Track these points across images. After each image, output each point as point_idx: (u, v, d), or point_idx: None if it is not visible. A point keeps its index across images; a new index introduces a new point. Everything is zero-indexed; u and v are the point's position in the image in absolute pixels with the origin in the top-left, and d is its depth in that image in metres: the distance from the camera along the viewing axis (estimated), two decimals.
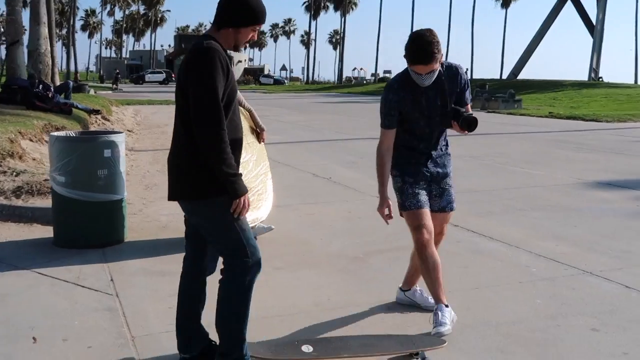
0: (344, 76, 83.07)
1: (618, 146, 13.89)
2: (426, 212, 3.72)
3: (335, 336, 3.52)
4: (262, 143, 6.07)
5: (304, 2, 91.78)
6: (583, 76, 54.10)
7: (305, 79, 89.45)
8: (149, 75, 74.40)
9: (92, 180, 5.32)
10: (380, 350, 3.31)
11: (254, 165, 5.95)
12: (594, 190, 8.39)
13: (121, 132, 5.80)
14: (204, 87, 2.74)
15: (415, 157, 3.80)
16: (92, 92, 28.88)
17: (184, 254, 5.18)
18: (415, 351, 3.28)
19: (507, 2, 76.68)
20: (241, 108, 5.89)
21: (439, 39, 3.47)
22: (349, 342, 3.38)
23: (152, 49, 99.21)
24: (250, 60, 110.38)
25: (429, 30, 3.47)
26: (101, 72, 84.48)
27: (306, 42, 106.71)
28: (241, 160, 5.74)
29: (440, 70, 3.57)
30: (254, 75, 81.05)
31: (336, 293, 4.38)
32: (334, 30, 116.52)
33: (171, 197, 3.03)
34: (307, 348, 3.20)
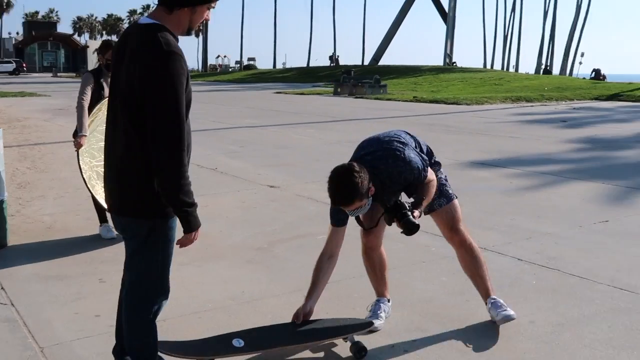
0: (208, 64, 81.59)
1: (481, 127, 14.79)
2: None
3: (264, 326, 3.46)
4: None
5: None
6: (439, 61, 57.00)
7: (202, 68, 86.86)
8: None
9: None
10: (311, 337, 3.30)
11: None
12: (470, 169, 8.88)
13: None
14: (167, 105, 2.35)
15: None
16: None
17: (78, 255, 4.93)
18: (345, 336, 3.31)
19: None
20: None
21: (361, 177, 3.08)
22: (279, 332, 3.34)
23: None
24: None
25: (348, 171, 3.11)
26: None
27: (198, 29, 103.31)
28: None
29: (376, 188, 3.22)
30: None
31: (249, 285, 4.32)
32: None
33: (114, 210, 2.62)
34: (237, 342, 3.12)
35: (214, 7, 2.61)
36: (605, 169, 9.11)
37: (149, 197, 2.47)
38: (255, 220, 6.05)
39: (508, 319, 3.51)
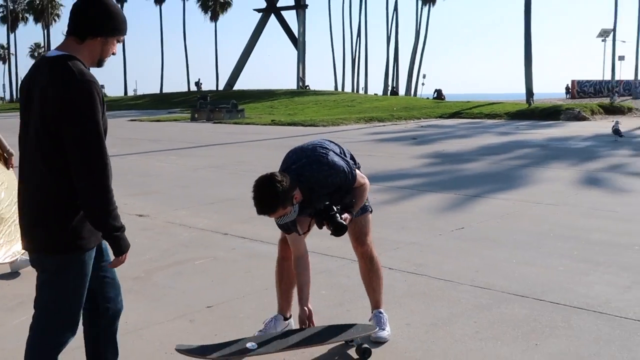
0: None
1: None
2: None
3: (277, 333, 3.64)
4: (11, 169, 5.58)
5: None
6: (293, 85, 58.28)
7: (8, 98, 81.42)
8: None
9: None
10: (319, 340, 3.49)
11: (6, 193, 5.46)
12: None
13: None
14: (89, 136, 2.33)
15: None
16: None
17: None
18: (350, 338, 3.57)
19: (216, 15, 78.97)
20: None
21: (283, 185, 3.24)
22: (290, 337, 3.50)
23: None
24: None
25: (269, 180, 3.27)
26: None
27: (4, 56, 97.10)
28: None
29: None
30: None
31: (132, 315, 4.23)
32: (36, 43, 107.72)
33: (34, 248, 2.52)
34: (251, 345, 3.34)
35: (121, 41, 2.62)
36: (454, 181, 9.88)
37: (58, 232, 2.44)
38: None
39: (379, 339, 3.65)
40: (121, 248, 2.52)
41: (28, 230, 2.54)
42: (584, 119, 25.83)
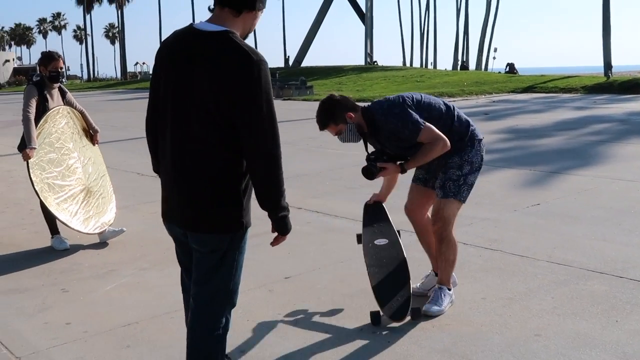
0: (128, 71, 79.83)
1: None
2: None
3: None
4: (97, 144, 5.87)
5: None
6: (360, 61, 57.91)
7: (87, 77, 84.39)
8: None
9: None
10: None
11: (94, 168, 5.75)
12: None
13: None
14: (266, 116, 2.30)
15: None
16: None
17: (34, 267, 4.91)
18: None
19: None
20: (73, 109, 5.63)
21: (333, 103, 3.62)
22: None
23: None
24: (19, 59, 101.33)
25: (326, 98, 3.67)
26: None
27: (80, 37, 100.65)
28: (82, 163, 5.56)
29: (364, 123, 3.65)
30: (26, 75, 74.59)
31: None
32: (110, 24, 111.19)
33: (190, 226, 2.48)
34: None
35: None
36: (529, 156, 9.69)
37: (229, 211, 2.43)
38: None
39: (427, 312, 3.69)
40: (287, 227, 2.50)
41: (192, 209, 2.45)
42: None
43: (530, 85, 29.14)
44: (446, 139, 3.63)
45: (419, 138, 3.61)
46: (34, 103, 5.25)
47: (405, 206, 4.04)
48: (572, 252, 4.82)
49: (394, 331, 3.55)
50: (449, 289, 3.85)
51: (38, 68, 5.48)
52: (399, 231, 4.06)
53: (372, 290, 3.70)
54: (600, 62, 31.54)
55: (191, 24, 2.46)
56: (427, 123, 3.62)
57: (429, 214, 3.98)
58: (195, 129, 2.37)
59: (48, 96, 5.39)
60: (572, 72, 40.67)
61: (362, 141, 3.74)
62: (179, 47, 2.42)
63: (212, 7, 2.43)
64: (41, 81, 5.40)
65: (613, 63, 31.58)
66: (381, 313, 3.62)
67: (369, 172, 3.64)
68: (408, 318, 3.64)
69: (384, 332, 3.55)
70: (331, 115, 3.60)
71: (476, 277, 4.39)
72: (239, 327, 3.54)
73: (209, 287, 2.55)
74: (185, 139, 2.41)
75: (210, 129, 2.34)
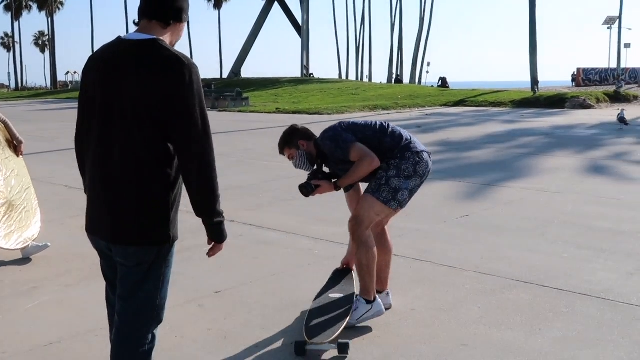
0: (58, 80, 77.50)
1: None
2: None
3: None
4: (21, 156, 5.65)
5: (2, 1, 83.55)
6: (297, 73, 58.15)
7: (15, 86, 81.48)
8: None
9: None
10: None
11: (17, 180, 5.53)
12: None
13: None
14: (200, 109, 2.28)
15: None
16: None
17: None
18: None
19: (219, 3, 78.73)
20: None
21: (292, 131, 3.98)
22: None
23: None
24: None
25: (288, 127, 4.06)
26: None
27: (8, 44, 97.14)
28: (4, 176, 5.34)
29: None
30: None
31: None
32: (40, 32, 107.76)
33: (113, 239, 2.39)
34: None
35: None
36: (460, 169, 9.93)
37: (156, 222, 2.36)
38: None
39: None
40: (223, 235, 2.46)
41: (116, 220, 2.37)
42: (589, 107, 25.77)
43: (462, 99, 29.94)
44: (374, 156, 3.72)
45: (350, 156, 3.73)
46: None
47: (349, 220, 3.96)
48: (499, 262, 4.95)
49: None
50: (367, 301, 3.77)
51: None
52: (357, 295, 3.88)
53: (304, 325, 3.57)
54: (527, 78, 32.74)
55: (119, 37, 2.45)
56: (357, 142, 3.73)
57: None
58: (122, 137, 2.32)
59: None
60: (501, 87, 42.01)
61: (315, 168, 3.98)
62: (107, 57, 2.40)
63: (136, 20, 2.44)
64: None
65: (539, 79, 32.83)
66: (307, 343, 3.43)
67: (305, 190, 3.89)
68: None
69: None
70: (288, 140, 3.94)
71: (406, 288, 4.43)
72: (167, 344, 3.45)
73: (135, 302, 2.46)
74: (112, 147, 2.34)
75: (139, 136, 2.29)
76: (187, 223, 6.41)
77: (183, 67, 2.27)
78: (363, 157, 3.70)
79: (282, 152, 4.00)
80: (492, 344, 3.49)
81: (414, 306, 4.09)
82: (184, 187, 2.41)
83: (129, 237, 2.37)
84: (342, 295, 3.89)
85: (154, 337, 2.54)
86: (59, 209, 7.11)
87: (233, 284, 4.60)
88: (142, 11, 2.41)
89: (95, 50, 2.51)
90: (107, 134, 2.36)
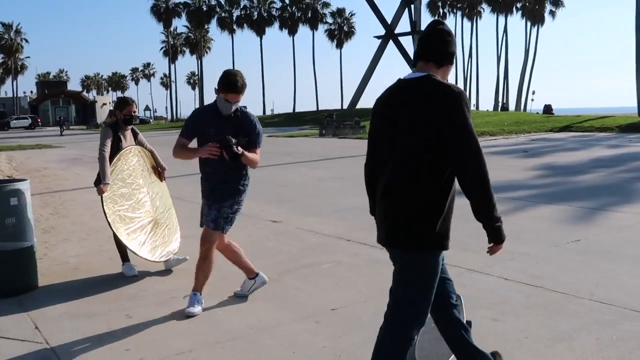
0: None
1: None
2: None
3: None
4: (164, 181, 5.76)
5: (162, 48, 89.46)
6: None
7: (170, 117, 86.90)
8: (15, 121, 68.36)
9: (0, 229, 4.72)
10: None
11: (161, 202, 5.64)
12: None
13: (25, 180, 5.21)
14: (470, 132, 2.39)
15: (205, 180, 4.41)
16: None
17: (104, 293, 4.77)
18: None
19: (341, 43, 79.82)
20: (144, 149, 5.55)
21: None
22: None
23: (15, 95, 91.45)
24: (114, 102, 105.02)
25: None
26: None
27: (166, 83, 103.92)
28: (150, 198, 5.45)
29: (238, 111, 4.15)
30: None
31: (264, 314, 4.20)
32: (191, 72, 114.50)
33: (397, 244, 2.52)
34: None
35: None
36: (567, 193, 9.13)
37: (432, 230, 2.46)
38: (262, 253, 5.94)
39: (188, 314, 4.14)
40: (501, 236, 2.51)
41: (399, 228, 2.49)
42: None
43: (567, 124, 28.16)
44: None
45: (257, 149, 4.30)
46: (109, 143, 5.20)
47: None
48: (615, 291, 4.36)
49: None
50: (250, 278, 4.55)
51: (114, 111, 5.45)
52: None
53: (414, 353, 3.24)
54: (632, 104, 30.24)
55: (399, 79, 2.62)
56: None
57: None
58: (407, 156, 2.46)
59: (122, 137, 5.33)
60: (606, 113, 39.14)
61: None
62: (392, 95, 2.58)
63: (412, 63, 2.65)
64: (116, 123, 5.35)
65: None
66: None
67: (238, 157, 4.00)
68: None
69: None
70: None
71: (518, 313, 3.99)
72: (283, 359, 3.27)
73: (401, 301, 2.56)
74: (400, 172, 2.48)
75: (424, 156, 2.42)
76: (308, 241, 6.26)
77: (456, 96, 2.40)
78: (258, 160, 4.20)
79: (241, 91, 4.02)
80: None
81: (527, 333, 3.65)
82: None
83: (402, 240, 2.50)
84: None
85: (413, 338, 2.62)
86: (197, 227, 7.22)
87: (348, 302, 4.36)
88: (420, 54, 2.59)
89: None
90: (397, 162, 2.50)
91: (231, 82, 3.97)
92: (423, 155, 2.42)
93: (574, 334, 3.60)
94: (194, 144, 4.25)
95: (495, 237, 2.50)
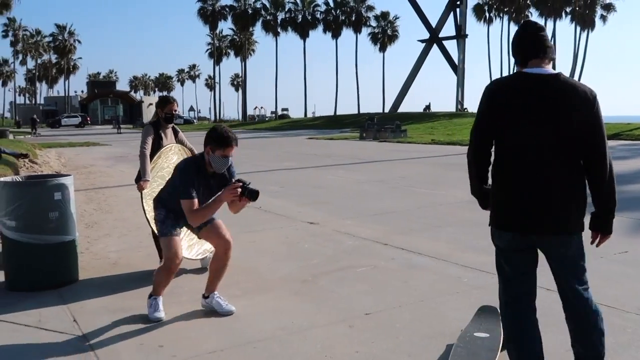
0: (247, 114, 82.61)
1: None
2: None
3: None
4: None
5: (207, 50, 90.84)
6: (451, 107, 56.85)
7: (213, 118, 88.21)
8: (65, 119, 70.72)
9: (44, 223, 4.82)
10: None
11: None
12: None
13: (69, 175, 5.32)
14: (605, 138, 2.70)
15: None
16: (11, 137, 27.13)
17: (142, 288, 4.82)
18: None
19: (384, 46, 79.43)
20: (184, 147, 5.59)
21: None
22: None
23: (67, 94, 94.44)
24: None
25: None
26: (17, 118, 79.37)
27: (211, 85, 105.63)
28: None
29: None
30: None
31: (297, 316, 4.15)
32: (235, 74, 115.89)
33: (562, 230, 2.75)
34: None
35: None
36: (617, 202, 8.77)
37: (581, 215, 2.74)
38: (298, 254, 5.91)
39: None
40: (611, 228, 2.82)
41: (557, 214, 2.70)
42: None
43: (616, 132, 27.25)
44: None
45: None
46: (150, 141, 5.26)
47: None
48: None
49: None
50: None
51: (155, 110, 5.50)
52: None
53: None
54: None
55: (520, 71, 2.75)
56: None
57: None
58: (558, 153, 2.66)
59: (162, 135, 5.38)
60: None
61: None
62: (527, 87, 2.68)
63: (519, 61, 2.78)
64: (157, 122, 5.41)
65: None
66: None
67: (257, 194, 3.98)
68: None
69: None
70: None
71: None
72: None
73: (582, 271, 2.98)
74: (549, 161, 2.67)
75: (570, 150, 2.67)
76: (344, 244, 6.19)
77: (594, 97, 2.68)
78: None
79: (234, 144, 4.04)
80: None
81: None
82: None
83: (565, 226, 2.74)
84: (487, 335, 3.41)
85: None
86: (235, 225, 7.24)
87: (383, 306, 4.27)
88: (535, 51, 2.72)
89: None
90: (541, 153, 2.66)
91: (227, 138, 4.00)
92: (577, 148, 2.66)
93: (620, 350, 3.43)
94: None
95: (610, 228, 2.80)
